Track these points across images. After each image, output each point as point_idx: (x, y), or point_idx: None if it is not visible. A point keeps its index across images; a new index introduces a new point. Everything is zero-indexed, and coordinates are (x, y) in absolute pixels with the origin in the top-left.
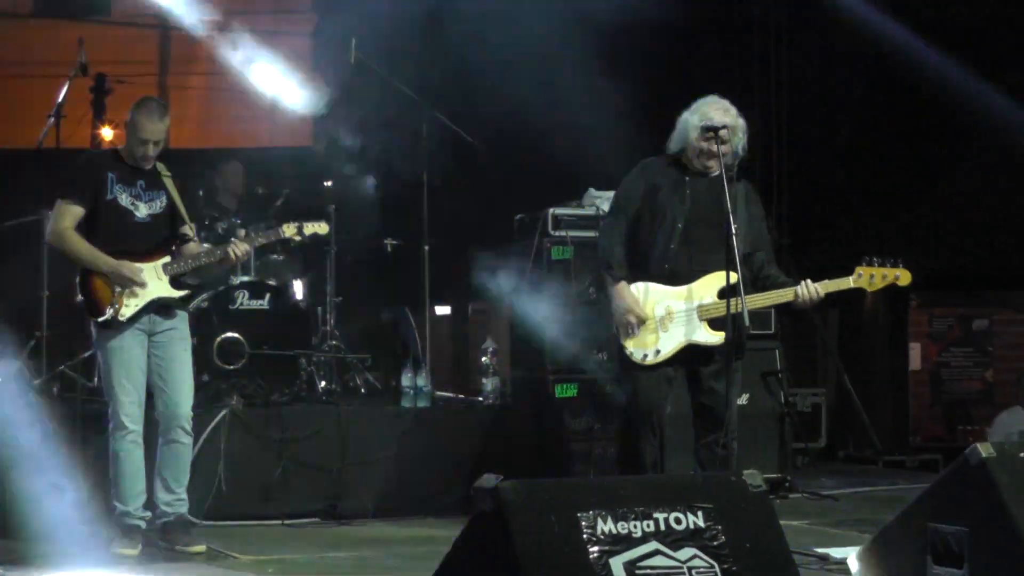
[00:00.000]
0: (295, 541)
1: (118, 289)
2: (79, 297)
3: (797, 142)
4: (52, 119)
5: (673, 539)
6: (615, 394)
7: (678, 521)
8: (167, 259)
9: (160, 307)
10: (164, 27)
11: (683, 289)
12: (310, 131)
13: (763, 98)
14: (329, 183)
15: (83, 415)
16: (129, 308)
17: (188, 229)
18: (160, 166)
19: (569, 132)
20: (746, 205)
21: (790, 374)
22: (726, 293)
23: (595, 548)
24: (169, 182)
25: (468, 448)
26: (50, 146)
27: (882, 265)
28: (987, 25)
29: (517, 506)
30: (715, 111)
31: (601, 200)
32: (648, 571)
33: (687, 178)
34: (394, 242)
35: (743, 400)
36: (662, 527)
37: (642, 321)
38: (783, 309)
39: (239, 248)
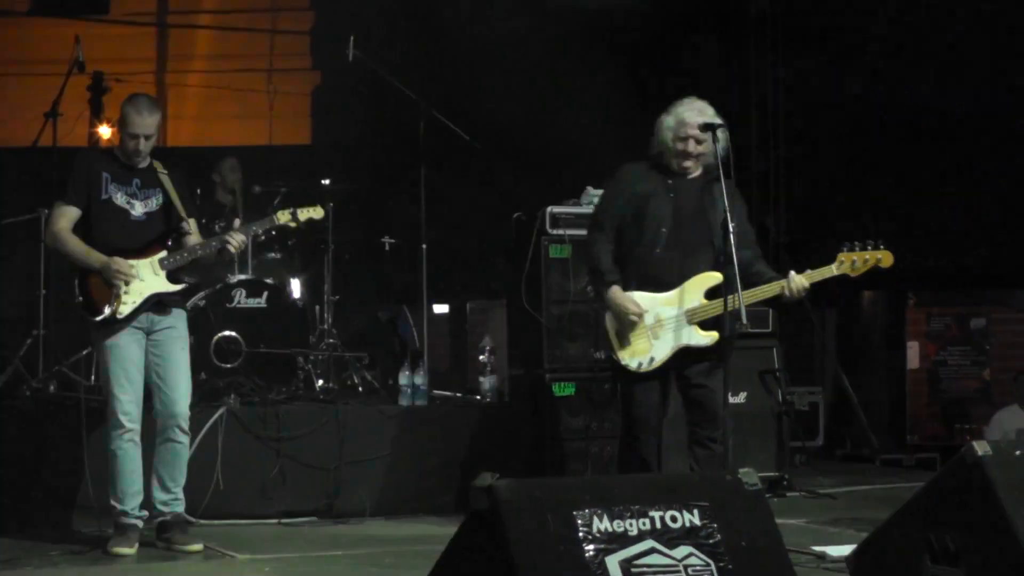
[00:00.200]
0: (292, 540)
1: (115, 288)
2: (78, 297)
3: (796, 141)
4: (49, 117)
5: (669, 537)
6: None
7: (674, 519)
8: (163, 254)
9: (157, 304)
10: (162, 25)
11: (671, 295)
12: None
13: (761, 96)
14: (327, 181)
15: (81, 414)
16: (127, 306)
17: (188, 225)
18: (157, 164)
19: (567, 131)
20: (729, 204)
21: (788, 373)
22: (718, 292)
23: (591, 546)
24: (166, 179)
25: (465, 447)
26: (47, 144)
27: (863, 249)
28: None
29: (513, 505)
30: (689, 112)
31: (599, 199)
32: (644, 569)
33: (669, 181)
34: (392, 240)
35: (741, 399)
36: (658, 525)
37: (641, 316)
38: (774, 303)
39: (236, 238)
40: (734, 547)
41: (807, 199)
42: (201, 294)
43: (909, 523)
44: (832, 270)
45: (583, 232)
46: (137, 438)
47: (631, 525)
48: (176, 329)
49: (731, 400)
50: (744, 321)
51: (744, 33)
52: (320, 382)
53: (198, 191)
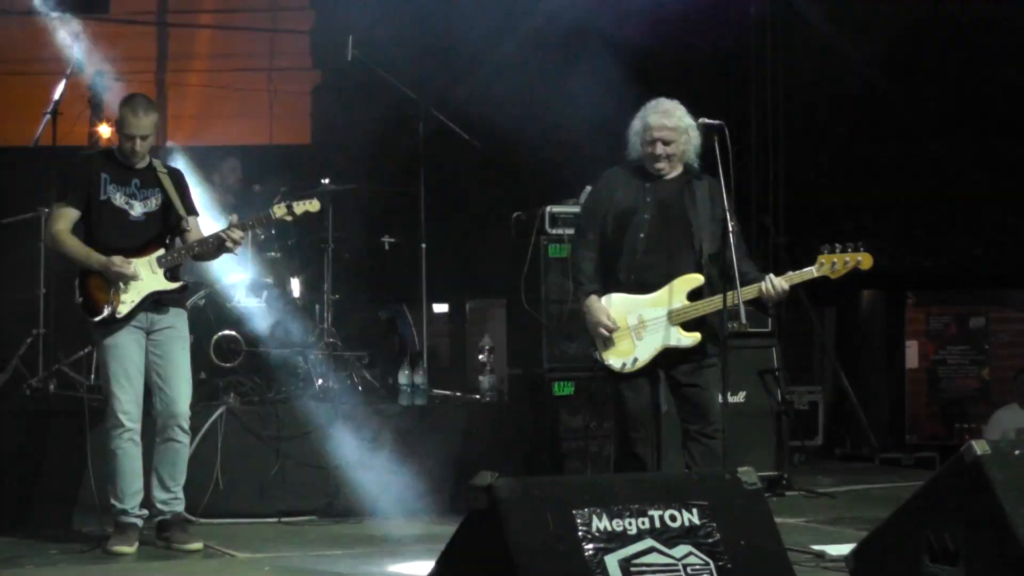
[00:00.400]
0: (292, 539)
1: (115, 287)
2: (79, 297)
3: (794, 140)
4: (49, 116)
5: (668, 536)
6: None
7: (673, 518)
8: (161, 252)
9: (156, 303)
10: (162, 24)
11: (653, 296)
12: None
13: (760, 96)
14: (327, 180)
15: (85, 413)
16: (125, 305)
17: (188, 223)
18: (157, 163)
19: (567, 130)
20: (710, 203)
21: (787, 372)
22: (701, 293)
23: (590, 546)
24: (166, 179)
25: (465, 446)
26: (47, 143)
27: (843, 251)
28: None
29: (512, 504)
30: (653, 116)
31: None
32: (643, 568)
33: (647, 185)
34: (391, 240)
35: (740, 398)
36: (657, 524)
37: (612, 332)
38: (755, 304)
39: (234, 233)
40: (733, 546)
41: (806, 199)
42: (201, 293)
43: (908, 522)
44: (812, 272)
45: (576, 231)
46: (137, 437)
47: (630, 524)
48: (176, 329)
49: (730, 399)
50: (744, 321)
51: (744, 33)
52: (320, 381)
53: (198, 191)
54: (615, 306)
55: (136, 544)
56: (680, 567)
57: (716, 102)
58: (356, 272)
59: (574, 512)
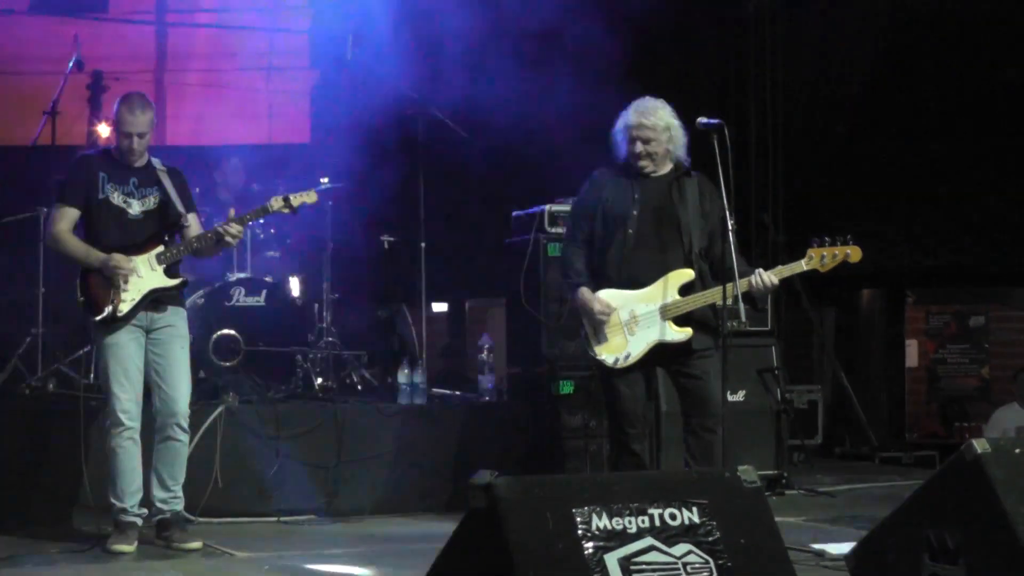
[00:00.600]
0: (291, 538)
1: (115, 285)
2: (80, 297)
3: (793, 139)
4: (48, 116)
5: (668, 535)
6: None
7: (673, 517)
8: (160, 249)
9: (156, 301)
10: (161, 24)
11: (644, 291)
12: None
13: (759, 95)
14: (326, 179)
15: (81, 412)
16: (126, 303)
17: (187, 220)
18: (156, 161)
19: (565, 129)
20: (699, 199)
21: (787, 371)
22: (692, 288)
23: (590, 544)
24: (164, 177)
25: (464, 445)
26: (46, 143)
27: (832, 244)
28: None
29: (511, 502)
30: (632, 115)
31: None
32: (643, 567)
33: (634, 183)
34: (391, 239)
35: (740, 397)
36: (657, 523)
37: (607, 315)
38: (745, 299)
39: (232, 228)
40: (733, 545)
41: (806, 198)
42: (200, 292)
43: (909, 521)
44: (802, 265)
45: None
46: (136, 436)
47: (630, 523)
48: (176, 328)
49: (730, 398)
50: (744, 319)
51: (744, 33)
52: (319, 380)
53: (197, 190)
54: (607, 302)
55: (135, 543)
56: (680, 566)
57: (716, 102)
58: (355, 271)
59: (574, 511)
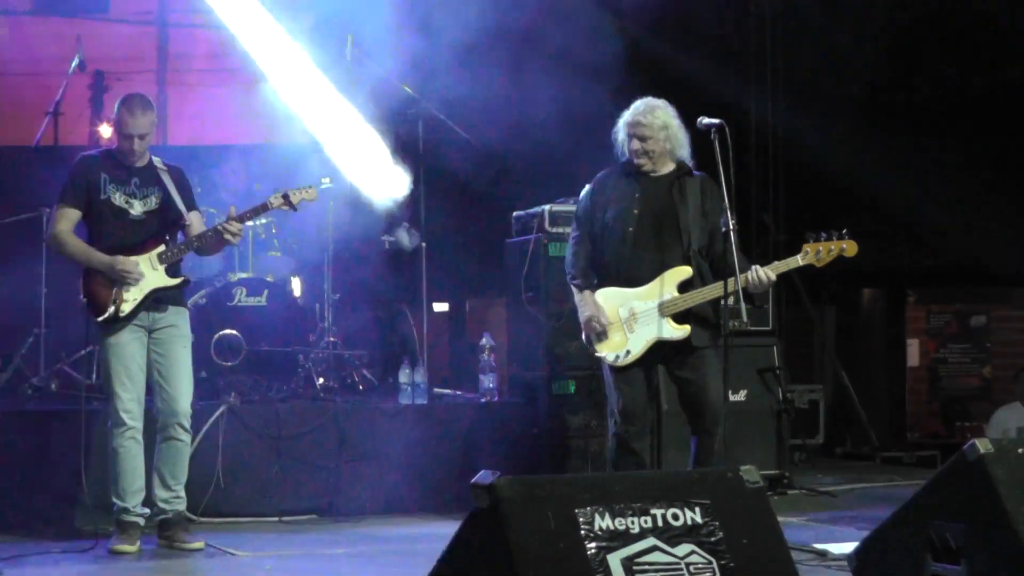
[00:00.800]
0: (292, 537)
1: (117, 286)
2: (82, 297)
3: (794, 139)
4: (50, 116)
5: (671, 535)
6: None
7: (675, 517)
8: (161, 248)
9: (158, 300)
10: (163, 24)
11: (644, 289)
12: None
13: (760, 94)
14: (327, 180)
15: (82, 412)
16: (128, 304)
17: (189, 219)
18: (157, 160)
19: (566, 129)
20: (700, 198)
21: (788, 371)
22: (691, 285)
23: (592, 544)
24: (165, 176)
25: (465, 445)
26: (48, 143)
27: (828, 239)
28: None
29: (514, 502)
30: (630, 115)
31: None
32: (646, 567)
33: (636, 183)
34: (391, 239)
35: (741, 396)
36: (659, 523)
37: (605, 328)
38: (744, 297)
39: (232, 226)
40: (736, 545)
41: (807, 197)
42: (202, 292)
43: (911, 520)
44: (797, 261)
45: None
46: (139, 436)
47: (633, 523)
48: (178, 327)
49: (731, 398)
50: (745, 319)
51: (745, 32)
52: (320, 380)
53: (199, 190)
54: (607, 299)
55: (138, 543)
56: (683, 566)
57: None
58: (356, 271)
59: (576, 511)
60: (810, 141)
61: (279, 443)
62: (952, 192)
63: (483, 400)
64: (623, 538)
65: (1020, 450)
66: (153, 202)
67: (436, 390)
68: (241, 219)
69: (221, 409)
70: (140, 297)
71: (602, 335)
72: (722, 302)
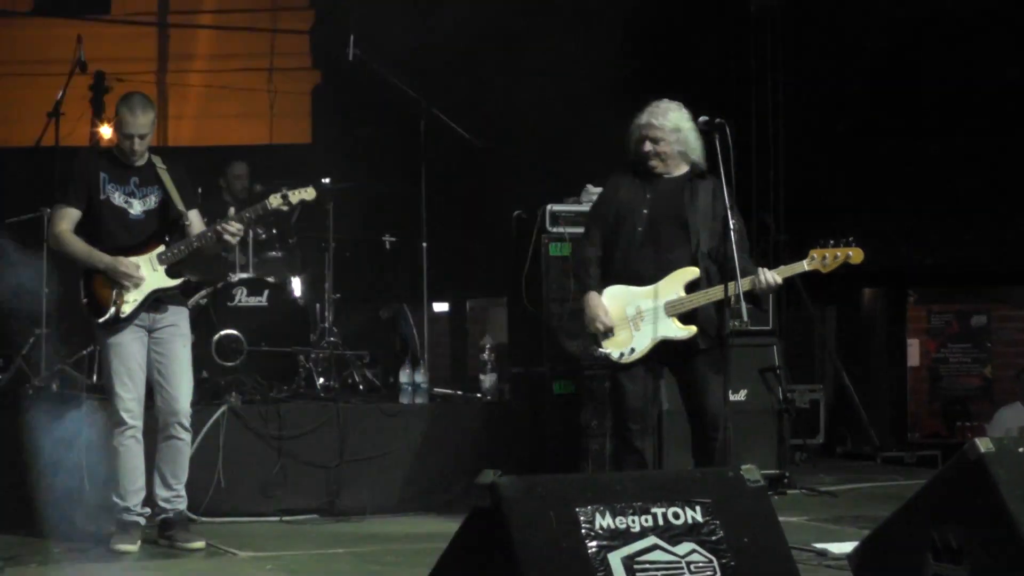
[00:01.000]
0: (294, 538)
1: (118, 287)
2: (83, 297)
3: (795, 138)
4: (51, 117)
5: (672, 534)
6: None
7: (676, 516)
8: (161, 248)
9: (158, 300)
10: (163, 25)
11: (650, 288)
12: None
13: (761, 93)
14: (328, 179)
15: (83, 412)
16: (129, 305)
17: (188, 218)
18: (156, 159)
19: (567, 129)
20: (711, 201)
21: (788, 370)
22: (697, 286)
23: (593, 543)
24: (165, 175)
25: (466, 444)
26: (49, 144)
27: (835, 246)
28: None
29: (515, 502)
30: (642, 116)
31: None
32: (647, 566)
33: (647, 184)
34: (392, 239)
35: (742, 396)
36: (660, 522)
37: (609, 328)
38: (747, 298)
39: (232, 227)
40: (736, 544)
41: (807, 197)
42: (203, 292)
43: (912, 520)
44: (803, 266)
45: (583, 230)
46: (139, 435)
47: (633, 522)
48: (178, 327)
49: (732, 398)
50: (745, 319)
51: (744, 33)
52: (321, 380)
53: (200, 190)
54: (614, 297)
55: (139, 543)
56: (684, 565)
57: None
58: (357, 271)
59: (577, 510)
60: (811, 140)
61: (280, 443)
62: (953, 191)
63: (484, 400)
64: (624, 537)
65: (1021, 449)
66: (152, 201)
67: (437, 390)
68: (241, 219)
69: (222, 409)
70: (140, 298)
71: (606, 333)
72: (725, 300)
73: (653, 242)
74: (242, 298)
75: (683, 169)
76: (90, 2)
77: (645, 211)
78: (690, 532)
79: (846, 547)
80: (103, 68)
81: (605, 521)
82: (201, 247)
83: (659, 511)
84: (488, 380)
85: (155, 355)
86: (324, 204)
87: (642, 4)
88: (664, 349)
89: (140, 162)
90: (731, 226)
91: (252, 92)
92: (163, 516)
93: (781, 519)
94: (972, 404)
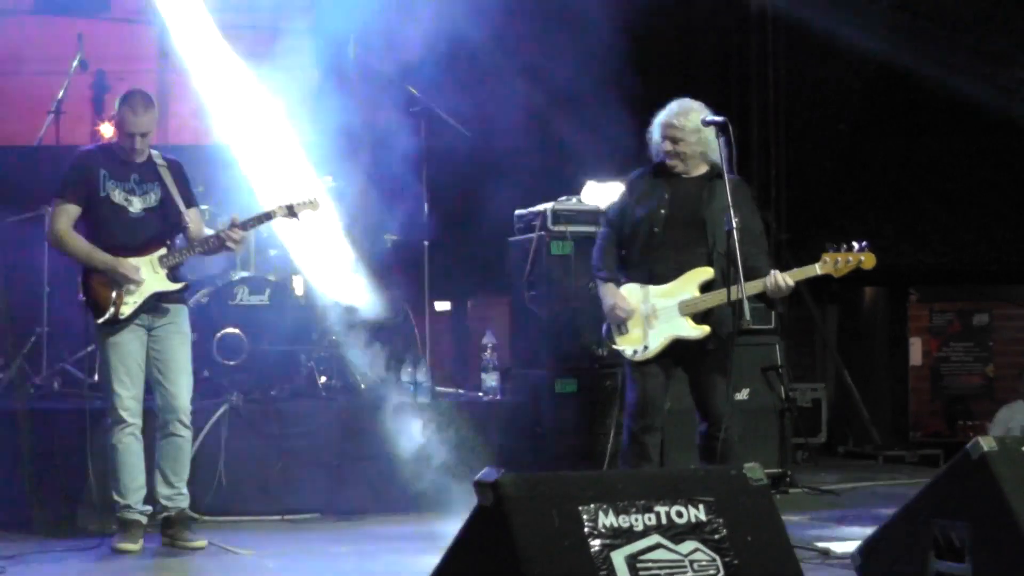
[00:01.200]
0: (295, 536)
1: (118, 287)
2: (82, 296)
3: (795, 137)
4: (52, 116)
5: (674, 532)
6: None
7: (679, 514)
8: (163, 251)
9: (158, 303)
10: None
11: (666, 287)
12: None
13: (761, 93)
14: (329, 178)
15: (84, 411)
16: (128, 306)
17: (188, 216)
18: (156, 154)
19: (568, 127)
20: (730, 200)
21: (790, 369)
22: (712, 286)
23: (596, 542)
24: (164, 171)
25: (467, 444)
26: (50, 143)
27: (848, 251)
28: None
29: (518, 500)
30: (665, 115)
31: (601, 195)
32: (650, 564)
33: (666, 183)
34: (394, 237)
35: (744, 395)
36: (663, 520)
37: (629, 314)
38: (761, 300)
39: (235, 234)
40: (740, 542)
41: (808, 196)
42: (204, 291)
43: (915, 519)
44: (815, 269)
45: (585, 228)
46: (138, 432)
47: (636, 520)
48: (176, 324)
49: (734, 397)
50: (747, 318)
51: (744, 33)
52: (322, 379)
53: (201, 189)
54: (630, 294)
55: (141, 542)
56: (687, 563)
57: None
58: (358, 270)
59: (580, 508)
60: (812, 139)
61: (281, 442)
62: (954, 190)
63: (485, 399)
64: (627, 535)
65: (1023, 447)
66: (152, 199)
67: (438, 389)
68: (244, 227)
69: (223, 408)
70: (140, 300)
71: (623, 326)
72: (727, 300)
73: (670, 242)
74: (244, 297)
75: (703, 169)
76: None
77: (663, 211)
78: (693, 531)
79: (848, 546)
80: (104, 66)
81: (608, 519)
82: (203, 253)
83: (662, 509)
84: (490, 379)
85: (154, 353)
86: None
87: (643, 3)
88: (677, 348)
89: (140, 158)
90: (734, 225)
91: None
92: (165, 514)
93: (783, 518)
94: (974, 403)
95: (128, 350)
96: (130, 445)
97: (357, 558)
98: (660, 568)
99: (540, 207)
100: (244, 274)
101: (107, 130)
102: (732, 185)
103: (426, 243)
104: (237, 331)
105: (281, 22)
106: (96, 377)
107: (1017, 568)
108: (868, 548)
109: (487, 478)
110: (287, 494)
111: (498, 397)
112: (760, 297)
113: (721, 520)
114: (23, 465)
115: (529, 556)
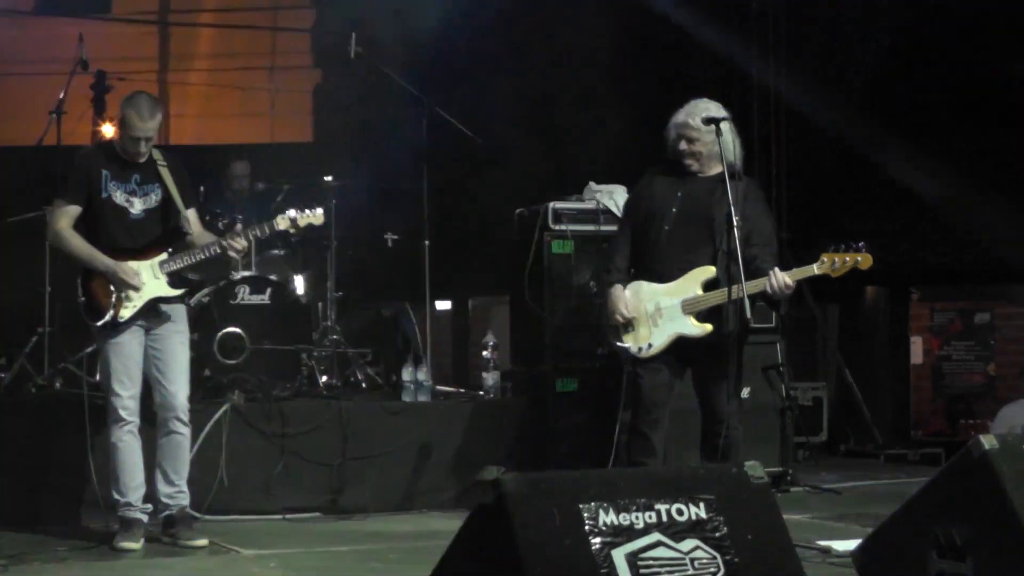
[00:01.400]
0: (297, 535)
1: (117, 291)
2: (80, 297)
3: (797, 136)
4: (53, 116)
5: (675, 530)
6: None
7: (680, 512)
8: (164, 256)
9: (156, 307)
10: (164, 24)
11: (671, 285)
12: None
13: (763, 92)
14: (329, 178)
15: (85, 410)
16: (127, 310)
17: (187, 216)
18: (157, 154)
19: (569, 126)
20: (742, 202)
21: (791, 368)
22: (716, 285)
23: (597, 540)
24: (165, 172)
25: (468, 443)
26: (51, 143)
27: (846, 251)
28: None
29: (518, 498)
30: (681, 113)
31: (601, 194)
32: (650, 562)
33: (679, 181)
34: (395, 237)
35: (744, 394)
36: (664, 518)
37: (627, 322)
38: (763, 299)
39: (237, 243)
40: (740, 540)
41: (809, 195)
42: (205, 291)
43: (916, 517)
44: (813, 269)
45: (585, 228)
46: (136, 430)
47: (637, 518)
48: (175, 324)
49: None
50: (748, 317)
51: (744, 32)
52: (324, 378)
53: (202, 189)
54: (636, 292)
55: (142, 540)
56: (687, 561)
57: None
58: (359, 269)
59: (580, 506)
60: (812, 138)
61: (283, 441)
62: (955, 188)
63: (486, 398)
64: (628, 533)
65: None
66: (153, 200)
67: (439, 388)
68: (246, 236)
69: (224, 407)
70: (140, 304)
71: (626, 327)
72: (727, 299)
73: (679, 241)
74: (244, 296)
75: (717, 169)
76: (91, 1)
77: (674, 209)
78: (694, 529)
79: (849, 545)
80: (104, 67)
81: (608, 517)
82: (204, 260)
83: (663, 507)
84: (490, 378)
85: (152, 351)
86: (326, 203)
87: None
88: (682, 345)
89: (142, 159)
90: (735, 224)
91: (253, 91)
92: (166, 513)
93: (784, 516)
94: (975, 402)
95: (128, 350)
96: (129, 443)
97: (358, 557)
98: (661, 566)
99: (541, 206)
100: (245, 273)
101: (108, 130)
102: (743, 185)
103: (426, 243)
104: (238, 330)
105: (281, 21)
106: (98, 377)
107: (1018, 566)
108: (869, 547)
109: (488, 477)
110: (288, 493)
111: (498, 396)
112: (764, 298)
113: (722, 518)
114: (25, 465)
115: (530, 554)
